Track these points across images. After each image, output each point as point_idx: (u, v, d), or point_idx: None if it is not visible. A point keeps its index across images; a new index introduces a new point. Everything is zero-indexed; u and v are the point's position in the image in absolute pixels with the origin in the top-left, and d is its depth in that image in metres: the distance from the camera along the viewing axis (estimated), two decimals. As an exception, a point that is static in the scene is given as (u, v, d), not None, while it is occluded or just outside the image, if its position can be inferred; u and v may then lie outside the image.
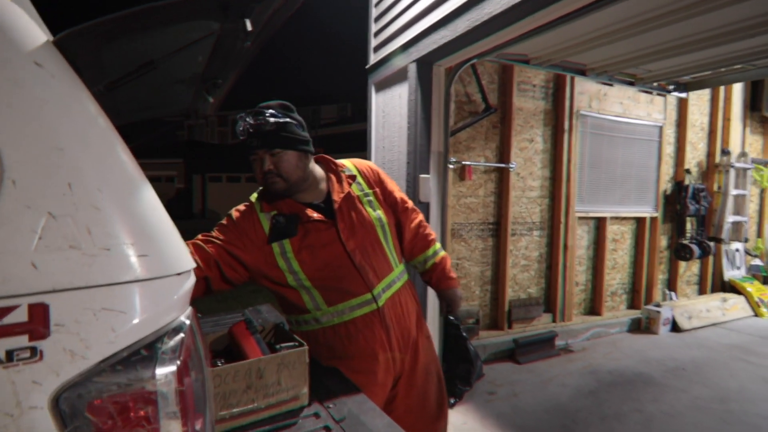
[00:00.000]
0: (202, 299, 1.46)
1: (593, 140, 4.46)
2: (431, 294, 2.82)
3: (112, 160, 0.75)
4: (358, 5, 3.86)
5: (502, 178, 4.01)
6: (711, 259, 5.28)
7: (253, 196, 1.59)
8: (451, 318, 1.78)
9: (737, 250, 5.52)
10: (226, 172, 20.94)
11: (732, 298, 5.10)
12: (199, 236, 1.50)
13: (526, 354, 3.78)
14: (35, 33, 0.73)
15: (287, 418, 1.21)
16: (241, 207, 1.56)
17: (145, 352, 0.71)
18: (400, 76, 3.12)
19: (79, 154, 0.70)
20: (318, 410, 1.25)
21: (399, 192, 1.75)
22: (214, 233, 1.50)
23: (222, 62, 1.29)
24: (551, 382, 3.39)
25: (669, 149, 4.95)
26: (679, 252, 4.91)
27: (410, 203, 1.77)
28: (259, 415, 1.19)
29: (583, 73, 3.82)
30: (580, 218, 4.42)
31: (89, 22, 0.79)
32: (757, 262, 5.65)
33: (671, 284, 5.12)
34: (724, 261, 5.40)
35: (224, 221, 1.54)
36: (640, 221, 4.84)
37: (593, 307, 4.63)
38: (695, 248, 4.84)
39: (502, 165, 3.95)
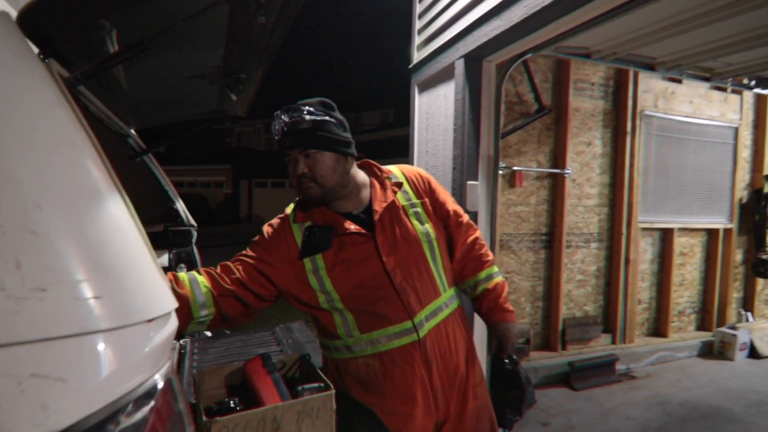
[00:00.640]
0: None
1: (659, 143, 4.11)
2: (478, 323, 2.50)
3: (67, 166, 0.56)
4: (402, 6, 3.69)
5: (555, 184, 3.76)
6: (795, 276, 4.73)
7: (290, 207, 1.43)
8: (505, 360, 1.47)
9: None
10: (271, 177, 21.58)
11: (821, 321, 4.55)
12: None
13: (582, 379, 3.46)
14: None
15: (308, 479, 1.00)
16: (275, 220, 1.42)
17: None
18: (445, 74, 2.91)
19: (12, 159, 0.51)
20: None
21: (453, 204, 1.53)
22: (246, 250, 1.37)
23: (241, 50, 1.14)
24: (613, 413, 3.07)
25: (745, 153, 4.51)
26: (756, 267, 4.46)
27: (465, 217, 1.54)
28: (274, 476, 0.98)
29: (651, 67, 3.46)
30: (644, 229, 4.08)
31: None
32: None
33: (747, 304, 4.67)
34: (811, 279, 4.83)
35: (256, 237, 1.40)
36: (711, 233, 4.44)
37: (658, 328, 4.27)
38: (776, 264, 4.38)
39: (557, 170, 3.71)
